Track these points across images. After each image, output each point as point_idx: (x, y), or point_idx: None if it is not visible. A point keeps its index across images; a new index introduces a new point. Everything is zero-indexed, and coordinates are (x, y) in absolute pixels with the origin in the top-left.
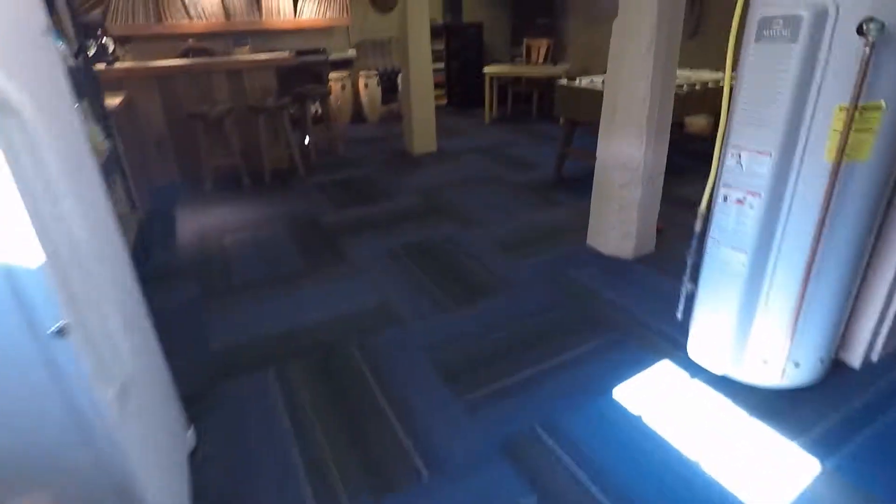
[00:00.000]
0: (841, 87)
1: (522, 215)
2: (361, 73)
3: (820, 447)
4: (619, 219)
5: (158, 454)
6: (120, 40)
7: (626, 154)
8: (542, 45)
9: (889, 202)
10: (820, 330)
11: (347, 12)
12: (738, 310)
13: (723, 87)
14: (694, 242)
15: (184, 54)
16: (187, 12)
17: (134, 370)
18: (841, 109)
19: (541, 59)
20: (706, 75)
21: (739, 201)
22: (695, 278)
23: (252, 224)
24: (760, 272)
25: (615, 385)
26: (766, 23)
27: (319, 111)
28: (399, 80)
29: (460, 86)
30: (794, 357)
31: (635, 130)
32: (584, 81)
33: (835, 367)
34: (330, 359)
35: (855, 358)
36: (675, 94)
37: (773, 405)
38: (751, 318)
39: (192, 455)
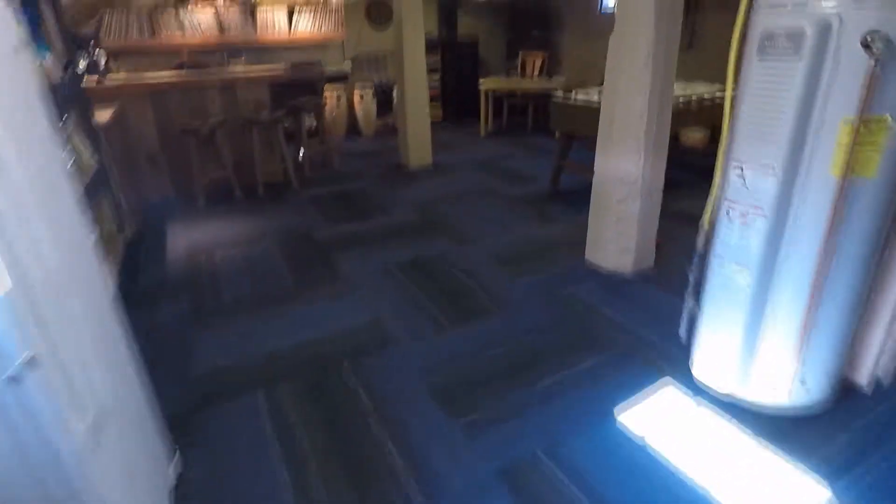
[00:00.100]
0: (846, 102)
1: (519, 230)
2: (357, 86)
3: (829, 471)
4: (617, 233)
5: (137, 487)
6: (114, 54)
7: (624, 168)
8: (537, 59)
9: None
10: (828, 349)
11: (342, 27)
12: (743, 328)
13: (718, 99)
14: (696, 259)
15: (178, 68)
16: (182, 26)
17: (111, 400)
18: (846, 124)
19: (536, 73)
20: (701, 88)
21: (743, 217)
22: (697, 296)
23: (245, 240)
24: (766, 290)
25: (617, 406)
26: (768, 36)
27: (314, 125)
28: (394, 93)
29: (455, 99)
30: (802, 377)
31: (633, 145)
32: (579, 95)
33: (842, 387)
34: (322, 381)
35: (862, 376)
36: None
37: (780, 427)
38: (756, 337)
39: (177, 484)
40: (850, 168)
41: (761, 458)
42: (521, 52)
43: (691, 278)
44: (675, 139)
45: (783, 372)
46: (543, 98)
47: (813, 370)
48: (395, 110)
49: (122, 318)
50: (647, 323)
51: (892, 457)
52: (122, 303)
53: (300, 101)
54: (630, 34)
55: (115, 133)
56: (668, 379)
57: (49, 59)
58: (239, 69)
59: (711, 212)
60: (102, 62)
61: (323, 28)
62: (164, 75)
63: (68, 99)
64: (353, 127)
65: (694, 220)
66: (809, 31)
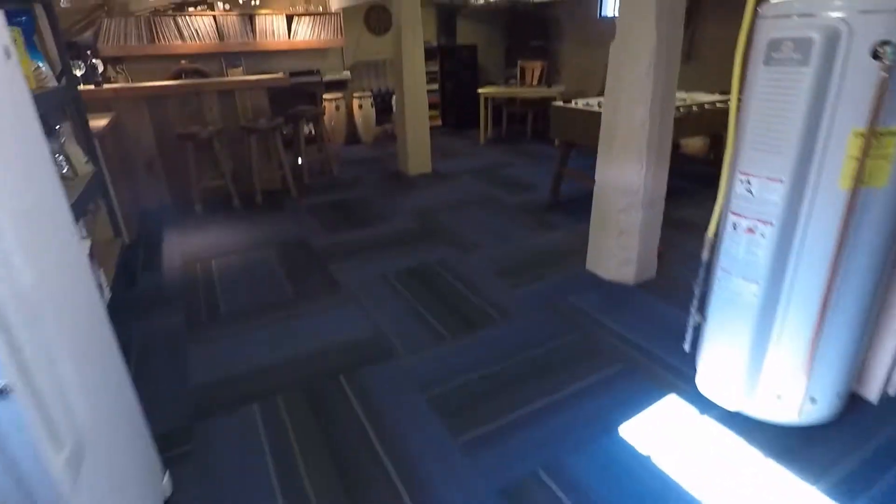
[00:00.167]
0: (856, 112)
1: (519, 239)
2: (356, 94)
3: (841, 491)
4: (619, 244)
5: None
6: (112, 61)
7: (626, 178)
8: (536, 67)
9: None
10: (838, 364)
11: (342, 34)
12: (750, 342)
13: (719, 108)
14: (702, 272)
15: (176, 75)
16: (180, 33)
17: (93, 426)
18: (856, 135)
19: (535, 81)
20: (701, 97)
21: (750, 230)
22: (703, 309)
23: (242, 247)
24: (773, 304)
25: (621, 421)
26: (775, 45)
27: (313, 132)
28: (393, 101)
29: (455, 107)
30: (811, 392)
31: (635, 154)
32: (580, 103)
33: (851, 402)
34: (319, 395)
35: (871, 391)
36: None
37: (788, 444)
38: (764, 352)
39: None
40: (860, 179)
41: (770, 476)
42: (519, 61)
43: (696, 291)
44: (675, 147)
45: (792, 387)
46: (542, 106)
47: (822, 386)
48: (394, 117)
49: (113, 331)
50: (651, 335)
51: None
52: (116, 313)
53: (299, 108)
54: (631, 43)
55: (111, 140)
56: (672, 394)
57: (43, 66)
58: (237, 76)
59: (717, 223)
60: (100, 69)
61: (322, 35)
62: (160, 83)
63: (63, 106)
64: (352, 134)
65: (695, 227)
66: (817, 39)
